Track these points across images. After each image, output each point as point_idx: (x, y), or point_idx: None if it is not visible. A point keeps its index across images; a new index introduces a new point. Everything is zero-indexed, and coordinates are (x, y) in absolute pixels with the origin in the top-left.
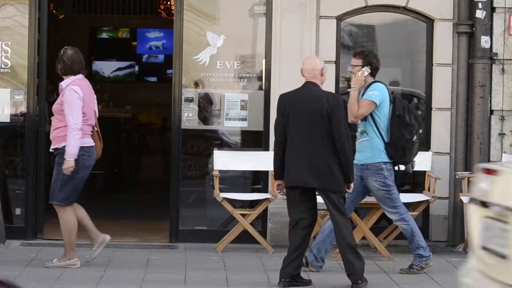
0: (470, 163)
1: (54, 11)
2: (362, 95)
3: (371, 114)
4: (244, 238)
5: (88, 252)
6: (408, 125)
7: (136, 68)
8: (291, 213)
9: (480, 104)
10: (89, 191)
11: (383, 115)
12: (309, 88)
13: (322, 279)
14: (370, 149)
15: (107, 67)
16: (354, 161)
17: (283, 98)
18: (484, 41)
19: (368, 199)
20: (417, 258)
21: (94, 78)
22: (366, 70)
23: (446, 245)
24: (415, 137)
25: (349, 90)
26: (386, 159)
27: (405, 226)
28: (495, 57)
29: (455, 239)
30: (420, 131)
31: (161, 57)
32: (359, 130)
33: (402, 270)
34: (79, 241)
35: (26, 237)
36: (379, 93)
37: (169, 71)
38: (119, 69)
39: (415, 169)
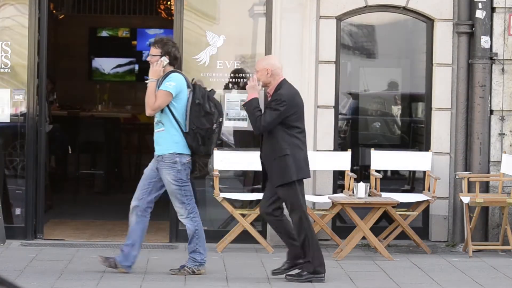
0: (470, 163)
1: (54, 11)
2: (160, 85)
3: (168, 105)
4: (244, 238)
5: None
6: (208, 113)
7: (136, 67)
8: (303, 203)
9: (480, 104)
10: (89, 191)
11: (181, 106)
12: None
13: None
14: (165, 140)
15: (107, 64)
16: (155, 152)
17: (293, 96)
18: (484, 41)
19: (368, 199)
20: (190, 261)
21: (94, 75)
22: (164, 60)
23: (446, 245)
24: (215, 126)
25: (146, 81)
26: (181, 150)
27: (190, 225)
28: (495, 57)
29: (455, 239)
30: (220, 119)
31: None
32: (155, 120)
33: (172, 270)
34: (80, 241)
35: (26, 237)
36: (176, 84)
37: None
38: (119, 65)
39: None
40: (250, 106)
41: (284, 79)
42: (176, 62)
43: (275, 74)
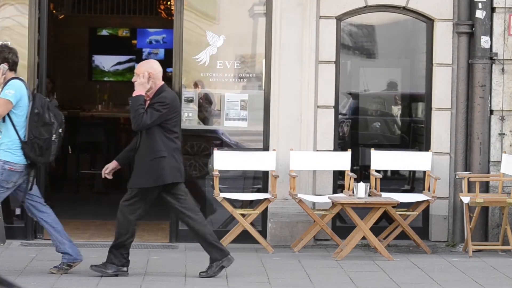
0: (470, 163)
1: (54, 11)
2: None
3: (8, 113)
4: (244, 238)
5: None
6: (47, 123)
7: (136, 66)
8: (144, 207)
9: (480, 104)
10: (89, 191)
11: (21, 114)
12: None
13: (322, 277)
14: (1, 147)
15: (107, 61)
16: None
17: (175, 100)
18: (484, 41)
19: (368, 199)
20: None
21: (94, 72)
22: (3, 67)
23: (446, 245)
24: (54, 136)
25: None
26: (13, 159)
27: None
28: (495, 57)
29: (455, 239)
30: (60, 130)
31: (161, 54)
32: None
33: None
34: (80, 241)
35: (26, 237)
36: (15, 92)
37: (169, 70)
38: (119, 63)
39: None
40: (135, 101)
41: (164, 84)
42: (15, 67)
43: (156, 78)
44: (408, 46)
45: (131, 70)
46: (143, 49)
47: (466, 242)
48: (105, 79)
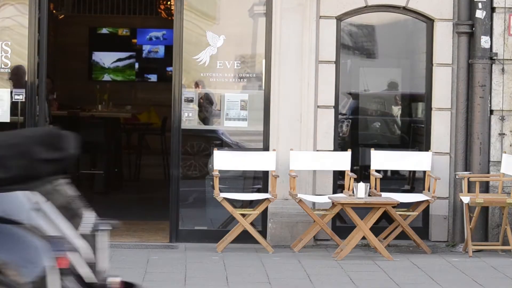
0: (470, 163)
1: (54, 11)
2: None
3: None
4: (244, 238)
5: None
6: None
7: (136, 65)
8: None
9: (480, 104)
10: (89, 191)
11: None
12: None
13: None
14: None
15: (107, 58)
16: None
17: None
18: (484, 41)
19: (368, 199)
20: None
21: (95, 69)
22: None
23: (446, 245)
24: None
25: None
26: None
27: None
28: (495, 57)
29: (455, 239)
30: None
31: (161, 52)
32: None
33: None
34: None
35: None
36: None
37: (169, 69)
38: (119, 59)
39: None
40: None
41: None
42: None
43: None
44: (408, 46)
45: (131, 66)
46: (143, 47)
47: (466, 242)
48: (105, 75)
